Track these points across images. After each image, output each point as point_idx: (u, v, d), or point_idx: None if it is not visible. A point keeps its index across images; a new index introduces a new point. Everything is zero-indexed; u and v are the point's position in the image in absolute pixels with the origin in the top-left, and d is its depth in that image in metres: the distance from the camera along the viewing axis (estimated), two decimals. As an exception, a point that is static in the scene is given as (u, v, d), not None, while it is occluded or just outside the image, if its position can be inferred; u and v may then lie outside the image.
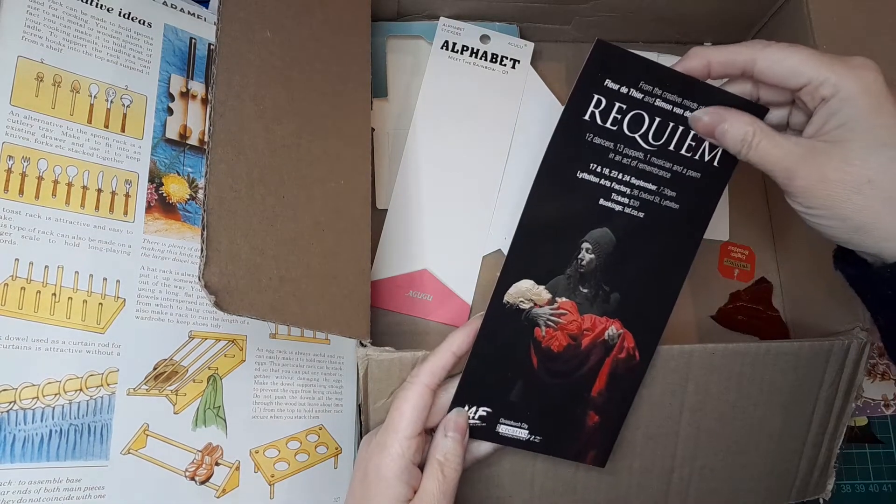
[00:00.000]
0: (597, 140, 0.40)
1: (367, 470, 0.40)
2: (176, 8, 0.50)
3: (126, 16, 0.48)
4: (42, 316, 0.41)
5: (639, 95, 0.39)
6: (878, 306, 0.41)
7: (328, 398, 0.50)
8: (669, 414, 0.47)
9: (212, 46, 0.51)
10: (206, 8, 0.52)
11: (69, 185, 0.43)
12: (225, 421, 0.45)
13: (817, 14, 0.51)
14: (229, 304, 0.34)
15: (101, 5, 0.47)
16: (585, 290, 0.42)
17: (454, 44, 0.57)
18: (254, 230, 0.37)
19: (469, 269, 0.55)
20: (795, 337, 0.57)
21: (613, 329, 0.43)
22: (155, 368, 0.44)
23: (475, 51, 0.58)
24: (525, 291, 0.42)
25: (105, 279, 0.43)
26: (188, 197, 0.48)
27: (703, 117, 0.40)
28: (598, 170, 0.41)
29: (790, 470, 0.50)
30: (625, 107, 0.40)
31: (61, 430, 0.40)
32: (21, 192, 0.41)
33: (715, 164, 0.42)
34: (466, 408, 0.43)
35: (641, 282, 0.43)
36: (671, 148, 0.41)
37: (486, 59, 0.58)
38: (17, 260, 0.40)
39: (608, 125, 0.40)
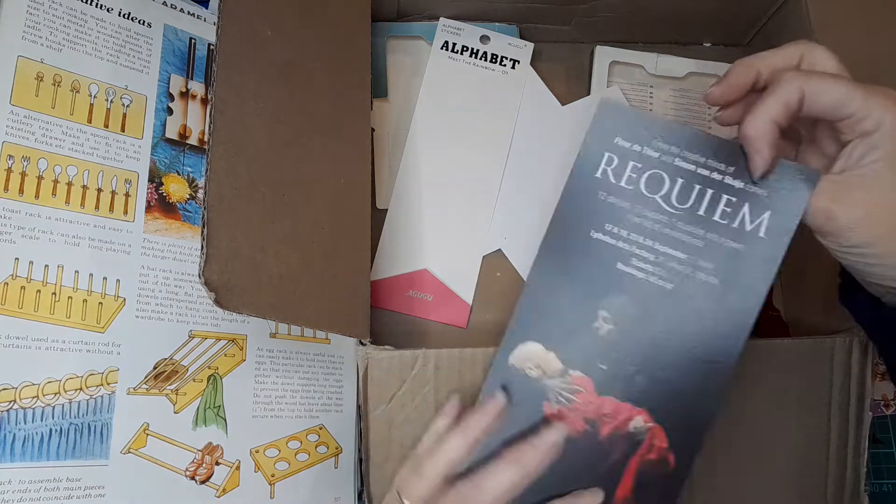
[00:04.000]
0: (611, 199, 0.37)
1: None
2: (176, 8, 0.50)
3: (126, 16, 0.48)
4: (42, 315, 0.41)
5: (654, 154, 0.36)
6: (890, 350, 0.38)
7: (328, 398, 0.50)
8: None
9: (211, 46, 0.51)
10: (206, 8, 0.52)
11: (69, 184, 0.43)
12: (225, 420, 0.45)
13: (817, 14, 0.51)
14: (229, 301, 0.34)
15: (101, 5, 0.47)
16: (604, 367, 0.37)
17: (454, 44, 0.57)
18: (254, 228, 0.37)
19: (469, 268, 0.55)
20: (795, 337, 0.57)
21: (640, 420, 0.37)
22: (155, 368, 0.43)
23: (475, 51, 0.58)
24: (532, 356, 0.38)
25: (105, 278, 0.43)
26: (188, 196, 0.48)
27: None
28: (615, 231, 0.37)
29: (819, 487, 0.48)
30: (640, 165, 0.37)
31: (61, 429, 0.40)
32: (21, 191, 0.41)
33: (761, 234, 0.37)
34: None
35: (673, 366, 0.37)
36: (701, 213, 0.37)
37: (485, 60, 0.58)
38: (17, 259, 0.40)
39: (623, 183, 0.37)
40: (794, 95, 0.34)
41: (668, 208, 0.37)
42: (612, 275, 0.37)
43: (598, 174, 0.37)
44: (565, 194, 0.37)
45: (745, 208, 0.37)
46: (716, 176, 0.37)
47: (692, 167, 0.37)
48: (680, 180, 0.37)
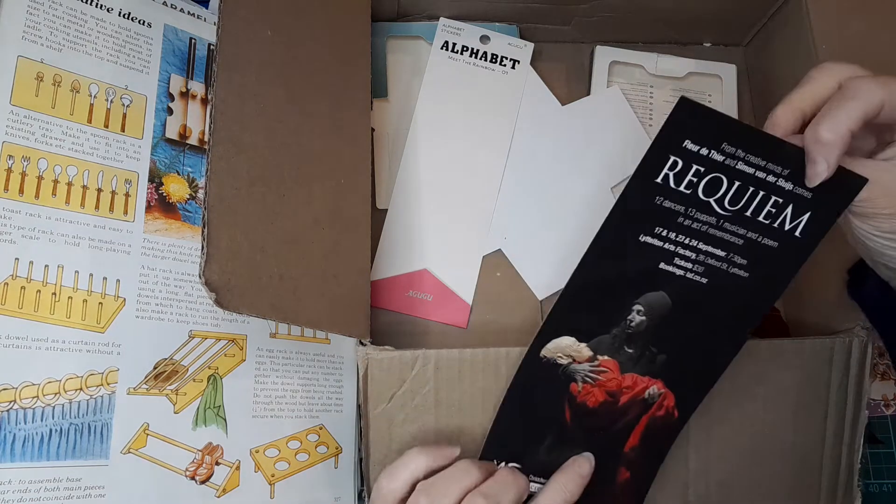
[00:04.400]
0: (667, 203, 0.37)
1: None
2: (176, 8, 0.50)
3: (126, 16, 0.48)
4: (42, 315, 0.41)
5: (720, 158, 0.36)
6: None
7: (328, 398, 0.50)
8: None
9: (211, 47, 0.51)
10: (206, 8, 0.52)
11: (69, 184, 0.43)
12: (225, 420, 0.45)
13: (817, 14, 0.51)
14: (230, 301, 0.34)
15: (101, 5, 0.47)
16: (630, 350, 0.40)
17: (454, 44, 0.57)
18: (254, 228, 0.37)
19: (469, 269, 0.55)
20: (795, 337, 0.57)
21: (655, 388, 0.41)
22: (155, 368, 0.43)
23: (475, 51, 0.58)
24: (565, 348, 0.40)
25: (105, 278, 0.43)
26: (188, 197, 0.48)
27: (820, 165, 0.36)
28: (664, 234, 0.38)
29: (813, 486, 0.49)
30: (703, 169, 0.36)
31: (61, 429, 0.40)
32: (21, 191, 0.41)
33: (797, 233, 0.38)
34: (495, 462, 0.41)
35: (692, 346, 0.41)
36: (748, 213, 0.38)
37: (486, 60, 0.58)
38: (17, 259, 0.40)
39: (682, 188, 0.37)
40: (874, 104, 0.34)
41: (719, 210, 0.38)
42: (654, 274, 0.39)
43: (660, 179, 0.36)
44: (623, 198, 0.37)
45: (789, 209, 0.37)
46: (770, 178, 0.37)
47: (752, 170, 0.36)
48: (737, 183, 0.37)
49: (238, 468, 0.45)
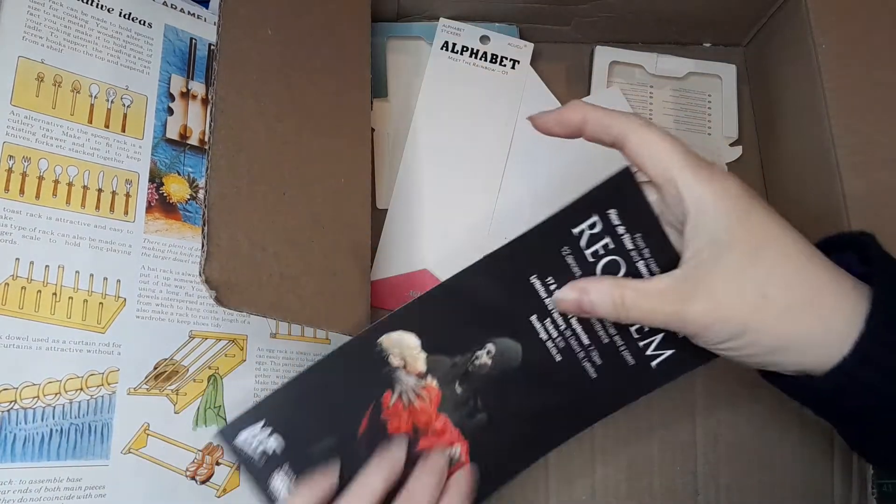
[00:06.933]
0: (569, 259, 0.36)
1: None
2: (176, 8, 0.50)
3: (126, 16, 0.48)
4: (43, 315, 0.41)
5: (629, 245, 0.35)
6: (834, 419, 0.36)
7: (329, 398, 0.50)
8: (683, 414, 0.45)
9: (212, 46, 0.52)
10: (206, 8, 0.52)
11: (70, 184, 0.43)
12: (225, 420, 0.45)
13: (816, 14, 0.51)
14: (230, 299, 0.34)
15: (102, 6, 0.47)
16: (459, 390, 0.37)
17: (454, 44, 0.57)
18: (254, 227, 0.37)
19: (469, 268, 0.55)
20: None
21: (458, 451, 0.37)
22: (155, 368, 0.43)
23: (475, 51, 0.58)
24: (405, 347, 0.37)
25: (105, 279, 0.43)
26: (188, 197, 0.48)
27: (568, 295, 0.34)
28: (552, 287, 0.36)
29: (825, 492, 0.48)
30: (612, 247, 0.35)
31: (62, 429, 0.40)
32: (22, 191, 0.41)
33: (653, 363, 0.37)
34: (262, 424, 0.36)
35: (516, 422, 0.38)
36: None
37: (485, 60, 0.58)
38: (17, 260, 0.40)
39: (588, 253, 0.35)
40: (616, 129, 0.35)
41: None
42: (521, 323, 0.37)
43: (576, 231, 0.35)
44: (532, 232, 0.36)
45: (659, 337, 0.36)
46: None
47: (648, 275, 0.35)
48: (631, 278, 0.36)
49: (238, 468, 0.45)
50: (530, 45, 0.58)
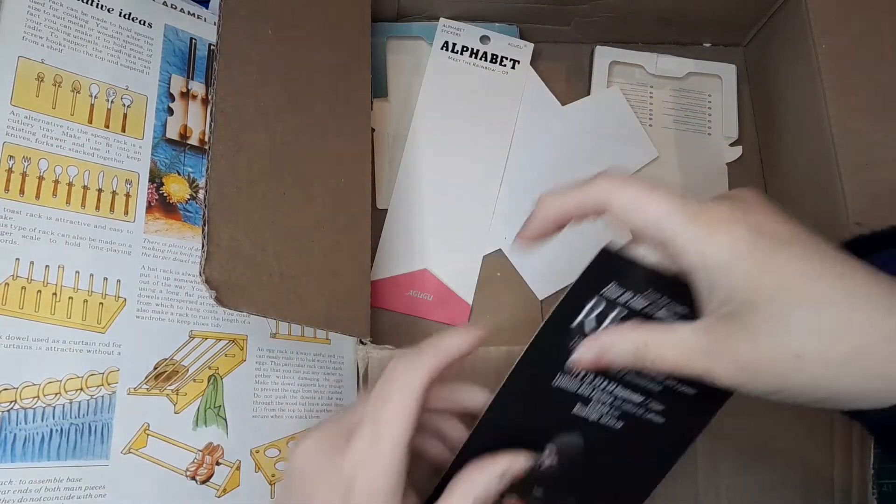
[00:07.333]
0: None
1: (350, 484, 0.31)
2: (176, 8, 0.50)
3: (126, 16, 0.48)
4: (43, 316, 0.41)
5: (643, 303, 0.34)
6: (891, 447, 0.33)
7: (328, 398, 0.49)
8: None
9: (212, 47, 0.52)
10: (207, 8, 0.52)
11: (70, 185, 0.43)
12: (225, 420, 0.45)
13: (816, 14, 0.51)
14: (230, 299, 0.34)
15: (102, 6, 0.47)
16: (539, 493, 0.37)
17: (454, 44, 0.57)
18: (254, 226, 0.37)
19: (469, 268, 0.55)
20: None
21: None
22: (155, 368, 0.43)
23: (475, 51, 0.58)
24: None
25: (105, 279, 0.43)
26: (188, 197, 0.48)
27: (585, 354, 0.33)
28: (580, 377, 0.36)
29: (825, 493, 0.48)
30: (626, 313, 0.34)
31: (62, 429, 0.40)
32: (22, 192, 0.41)
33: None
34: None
35: (602, 488, 0.38)
36: None
37: (486, 60, 0.58)
38: (17, 260, 0.40)
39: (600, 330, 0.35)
40: (592, 199, 0.32)
41: None
42: (567, 419, 0.37)
43: (574, 325, 0.35)
44: (535, 344, 0.35)
45: None
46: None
47: (673, 318, 0.35)
48: None
49: (238, 468, 0.45)
50: (530, 45, 0.58)
